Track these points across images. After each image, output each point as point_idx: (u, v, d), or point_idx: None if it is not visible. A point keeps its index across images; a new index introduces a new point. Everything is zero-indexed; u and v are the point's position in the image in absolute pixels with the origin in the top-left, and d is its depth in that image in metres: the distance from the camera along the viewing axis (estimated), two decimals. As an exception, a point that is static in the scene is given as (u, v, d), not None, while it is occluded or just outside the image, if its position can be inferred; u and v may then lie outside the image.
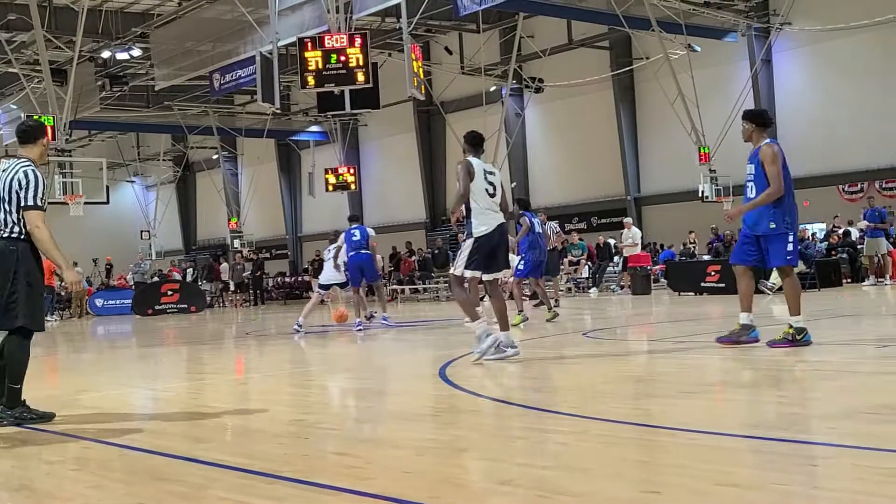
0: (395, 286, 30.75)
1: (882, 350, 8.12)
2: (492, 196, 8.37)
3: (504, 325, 8.43)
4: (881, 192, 27.19)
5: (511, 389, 7.05)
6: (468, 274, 8.38)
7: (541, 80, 33.76)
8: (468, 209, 8.32)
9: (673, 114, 27.87)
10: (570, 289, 25.75)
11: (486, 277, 8.44)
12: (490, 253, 8.33)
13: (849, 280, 21.72)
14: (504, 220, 8.48)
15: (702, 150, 27.61)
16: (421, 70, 25.50)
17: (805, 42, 29.50)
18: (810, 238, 22.82)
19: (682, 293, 21.36)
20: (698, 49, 28.47)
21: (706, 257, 24.54)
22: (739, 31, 29.64)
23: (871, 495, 3.33)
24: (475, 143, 8.61)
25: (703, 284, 20.62)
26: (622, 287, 25.07)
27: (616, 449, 4.40)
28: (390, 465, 4.27)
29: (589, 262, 26.45)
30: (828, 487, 3.56)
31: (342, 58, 19.90)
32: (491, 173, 8.46)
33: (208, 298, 32.84)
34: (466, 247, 8.37)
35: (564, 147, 36.92)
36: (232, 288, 34.05)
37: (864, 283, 21.07)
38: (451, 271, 8.69)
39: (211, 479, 4.15)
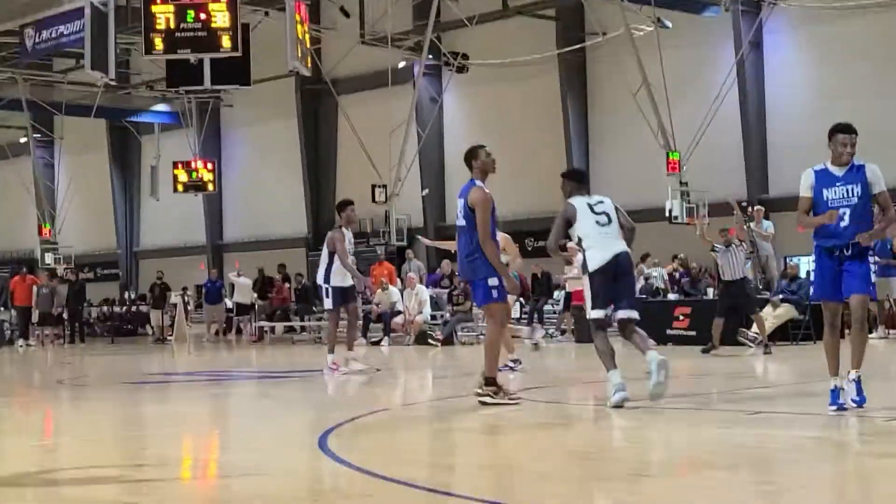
0: (262, 322, 30.45)
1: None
2: (605, 225, 9.67)
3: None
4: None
5: (407, 465, 7.01)
6: (594, 315, 9.63)
7: (465, 57, 33.87)
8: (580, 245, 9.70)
9: (635, 107, 28.21)
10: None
11: (619, 315, 9.71)
12: (610, 286, 9.59)
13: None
14: (624, 249, 9.69)
15: (670, 156, 28.02)
16: (307, 37, 25.43)
17: (805, 22, 30.27)
18: (805, 276, 22.92)
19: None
20: (669, 25, 29.00)
21: (672, 296, 24.81)
22: (723, 5, 30.21)
23: None
24: (578, 178, 10.41)
25: (668, 332, 20.87)
26: (563, 332, 25.19)
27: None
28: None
29: (520, 299, 26.60)
30: None
31: (202, 15, 19.75)
32: (600, 202, 9.83)
33: (6, 332, 32.02)
34: (586, 286, 9.81)
35: (495, 145, 37.08)
36: (35, 319, 33.18)
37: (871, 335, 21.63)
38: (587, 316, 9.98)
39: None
